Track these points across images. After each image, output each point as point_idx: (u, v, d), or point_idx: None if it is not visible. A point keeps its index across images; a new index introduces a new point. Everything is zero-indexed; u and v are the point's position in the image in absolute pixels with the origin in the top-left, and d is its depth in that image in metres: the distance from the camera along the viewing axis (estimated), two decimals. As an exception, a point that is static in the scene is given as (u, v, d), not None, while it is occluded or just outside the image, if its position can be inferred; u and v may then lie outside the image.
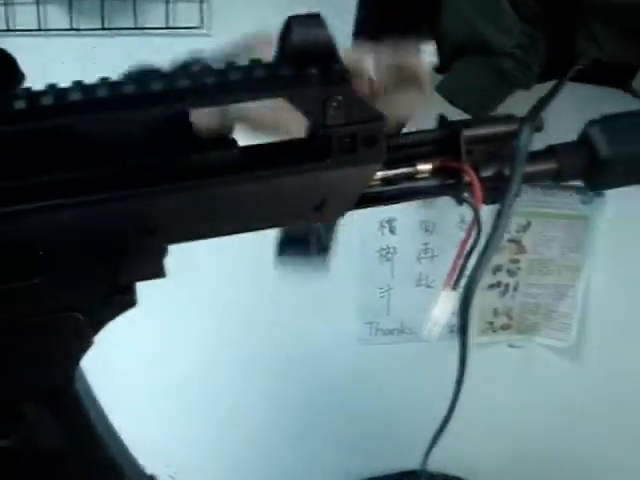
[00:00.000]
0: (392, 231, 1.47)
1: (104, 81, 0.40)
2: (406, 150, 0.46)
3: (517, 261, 1.53)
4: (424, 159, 0.46)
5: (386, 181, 0.45)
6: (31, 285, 0.41)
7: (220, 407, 1.48)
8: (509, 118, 0.47)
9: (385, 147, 0.43)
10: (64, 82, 0.39)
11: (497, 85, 1.18)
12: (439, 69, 1.29)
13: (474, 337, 1.56)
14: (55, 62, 1.23)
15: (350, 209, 0.44)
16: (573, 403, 1.59)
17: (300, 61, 0.40)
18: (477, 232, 0.46)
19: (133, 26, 1.31)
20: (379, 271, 1.48)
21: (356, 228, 1.39)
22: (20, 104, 0.38)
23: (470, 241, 0.46)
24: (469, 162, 0.46)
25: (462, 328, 0.48)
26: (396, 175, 0.45)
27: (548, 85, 1.27)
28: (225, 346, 1.44)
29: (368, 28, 1.18)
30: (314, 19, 0.41)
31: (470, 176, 0.45)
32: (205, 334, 1.43)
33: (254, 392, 1.48)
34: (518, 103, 1.21)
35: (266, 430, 1.52)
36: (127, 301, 0.43)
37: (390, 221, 1.46)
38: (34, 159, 0.40)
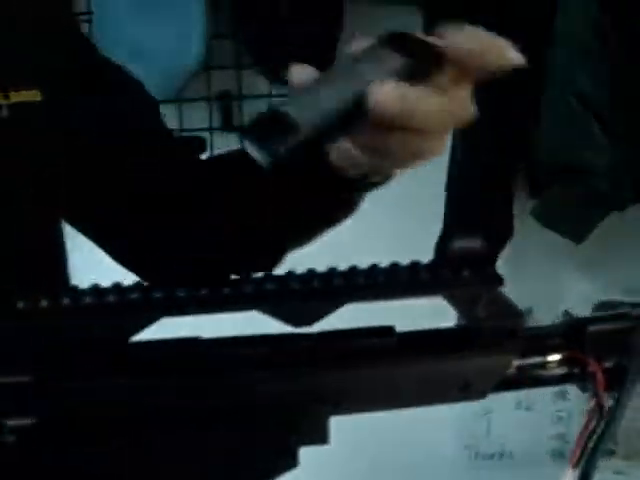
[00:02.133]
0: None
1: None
2: (537, 342, 0.52)
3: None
4: (553, 350, 0.52)
5: (520, 369, 0.51)
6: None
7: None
8: (629, 316, 0.53)
9: (522, 340, 0.49)
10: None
11: (592, 207, 1.21)
12: (532, 194, 1.36)
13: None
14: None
15: (490, 392, 0.50)
16: None
17: (457, 264, 0.47)
18: (599, 417, 0.51)
19: None
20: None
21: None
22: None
23: (592, 424, 0.51)
24: (593, 354, 0.52)
25: None
26: (529, 364, 0.51)
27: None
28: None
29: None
30: (470, 229, 0.48)
31: (594, 367, 0.51)
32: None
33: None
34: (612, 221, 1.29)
35: None
36: (291, 464, 0.49)
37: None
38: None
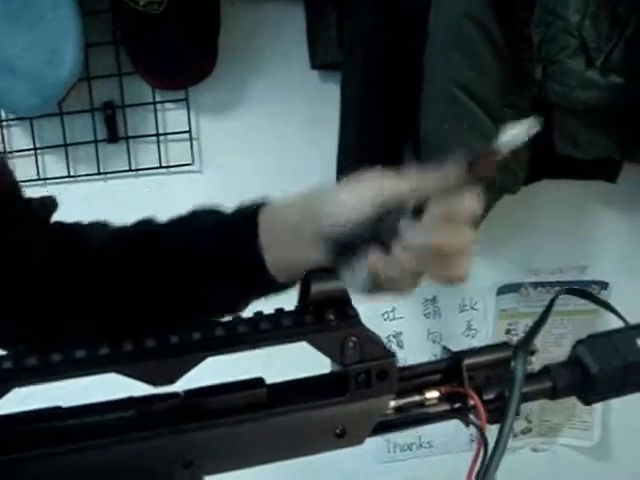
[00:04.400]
0: (400, 345, 1.50)
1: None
2: (414, 380, 0.51)
3: (530, 362, 1.51)
4: (431, 387, 0.51)
5: (399, 409, 0.50)
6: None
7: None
8: (505, 345, 0.53)
9: (396, 380, 0.48)
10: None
11: (484, 193, 1.20)
12: None
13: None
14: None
15: (368, 436, 0.49)
16: None
17: (320, 308, 0.46)
18: (484, 450, 0.50)
19: (127, 168, 1.37)
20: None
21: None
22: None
23: (479, 458, 0.50)
24: (472, 387, 0.51)
25: None
26: (407, 404, 0.50)
27: (535, 186, 1.32)
28: None
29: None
30: (328, 272, 0.47)
31: (475, 401, 0.50)
32: None
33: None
34: (508, 204, 1.27)
35: None
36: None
37: (397, 335, 1.49)
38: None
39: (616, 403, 1.54)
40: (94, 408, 0.46)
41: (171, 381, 0.45)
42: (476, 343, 1.61)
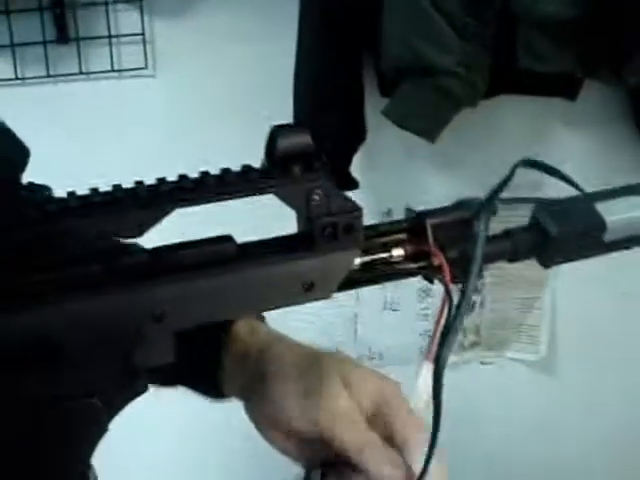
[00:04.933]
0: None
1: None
2: (380, 239, 0.52)
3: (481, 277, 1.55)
4: (397, 245, 0.52)
5: (365, 265, 0.51)
6: (49, 374, 0.45)
7: None
8: (467, 204, 0.54)
9: (362, 234, 0.49)
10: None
11: (443, 105, 1.20)
12: (384, 92, 1.33)
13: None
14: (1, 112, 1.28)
15: (335, 291, 0.49)
16: (546, 415, 1.62)
17: (286, 162, 0.47)
18: (449, 306, 0.51)
19: (78, 71, 1.34)
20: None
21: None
22: (48, 207, 0.43)
23: (444, 314, 0.51)
24: (436, 246, 0.52)
25: (436, 395, 0.52)
26: (373, 260, 0.51)
27: (495, 101, 1.33)
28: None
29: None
30: (295, 127, 0.47)
31: (439, 259, 0.51)
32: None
33: None
34: (466, 118, 1.29)
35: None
36: (140, 386, 0.47)
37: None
38: (55, 256, 0.45)
39: (562, 318, 1.59)
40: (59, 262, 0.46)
41: (140, 232, 0.45)
42: None
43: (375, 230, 0.52)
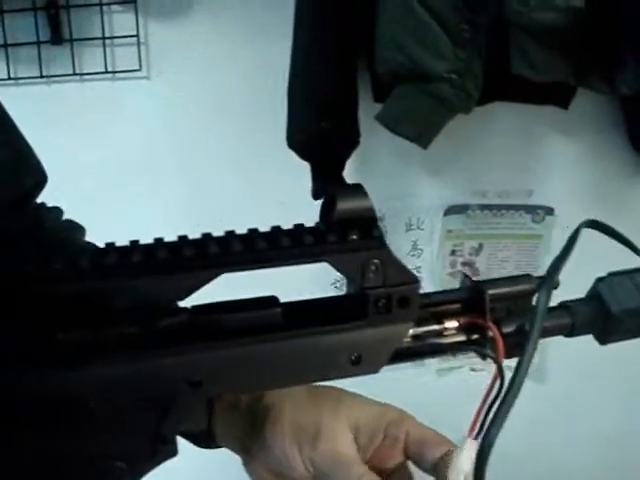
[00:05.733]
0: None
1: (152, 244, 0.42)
2: (434, 308, 0.49)
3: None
4: (451, 316, 0.49)
5: (416, 337, 0.48)
6: (79, 433, 0.42)
7: None
8: (528, 277, 0.51)
9: (417, 308, 0.45)
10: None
11: (436, 111, 1.19)
12: (377, 98, 1.33)
13: (434, 364, 1.56)
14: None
15: (385, 364, 0.46)
16: (536, 420, 1.60)
17: (343, 227, 0.43)
18: (500, 385, 0.48)
19: (71, 72, 1.32)
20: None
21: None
22: (85, 263, 0.40)
23: (493, 393, 0.48)
24: (492, 319, 0.49)
25: (479, 476, 0.49)
26: (425, 332, 0.48)
27: (488, 108, 1.31)
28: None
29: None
30: (357, 188, 0.44)
31: (494, 333, 0.48)
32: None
33: None
34: (460, 124, 1.27)
35: None
36: (169, 451, 0.45)
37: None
38: (91, 314, 0.42)
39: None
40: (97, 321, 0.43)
41: (182, 297, 0.42)
42: (421, 263, 1.67)
43: (430, 299, 0.49)
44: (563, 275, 0.52)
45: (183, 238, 0.43)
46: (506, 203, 1.53)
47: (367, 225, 0.44)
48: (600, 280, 0.53)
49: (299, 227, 0.44)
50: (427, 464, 0.54)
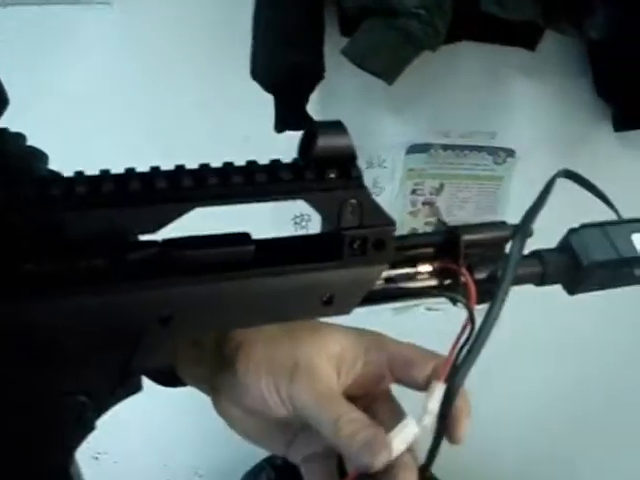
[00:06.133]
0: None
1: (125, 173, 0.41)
2: (408, 252, 0.48)
3: (431, 224, 1.56)
4: (424, 261, 0.48)
5: (389, 280, 0.47)
6: (42, 368, 0.41)
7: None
8: (503, 224, 0.50)
9: (392, 250, 0.45)
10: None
11: (403, 47, 1.18)
12: (344, 32, 1.30)
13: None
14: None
15: (356, 306, 0.46)
16: (488, 358, 1.65)
17: (322, 165, 0.42)
18: (471, 329, 0.48)
19: None
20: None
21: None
22: (55, 190, 0.38)
23: (463, 337, 0.48)
24: (465, 265, 0.48)
25: (442, 417, 0.49)
26: (398, 275, 0.47)
27: (455, 47, 1.30)
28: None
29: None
30: (337, 125, 0.43)
31: (466, 279, 0.48)
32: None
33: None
34: (426, 62, 1.25)
35: None
36: (134, 387, 0.44)
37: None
38: (58, 245, 0.40)
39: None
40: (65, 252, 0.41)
41: (152, 230, 0.40)
42: (381, 201, 1.65)
43: (405, 242, 0.48)
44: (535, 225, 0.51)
45: (156, 169, 0.41)
46: (469, 144, 1.53)
47: (346, 164, 0.43)
48: (572, 231, 0.53)
49: (276, 162, 0.43)
50: (418, 384, 0.52)
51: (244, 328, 0.47)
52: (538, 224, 0.51)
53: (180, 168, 0.41)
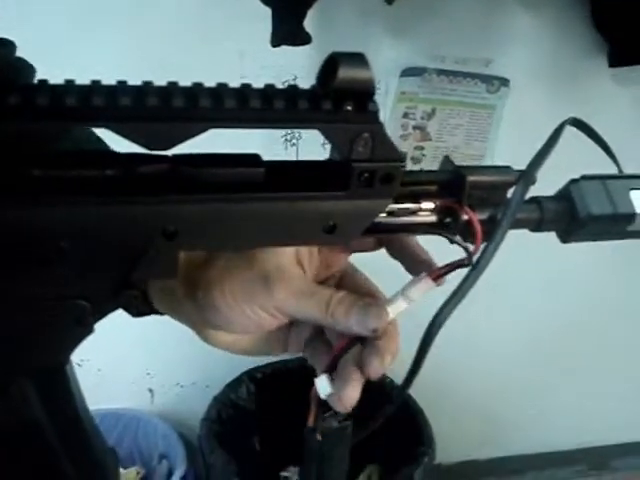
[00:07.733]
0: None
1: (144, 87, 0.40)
2: (413, 187, 0.48)
3: (421, 148, 1.56)
4: (428, 197, 0.49)
5: (391, 214, 0.48)
6: (46, 272, 0.42)
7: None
8: (508, 169, 0.50)
9: (399, 186, 0.45)
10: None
11: None
12: None
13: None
14: None
15: (358, 237, 0.46)
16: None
17: (339, 96, 0.42)
18: (471, 268, 0.48)
19: None
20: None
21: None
22: (71, 101, 0.38)
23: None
24: (468, 205, 0.49)
25: (421, 350, 0.50)
26: (401, 210, 0.48)
27: None
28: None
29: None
30: (359, 58, 0.42)
31: (470, 217, 0.49)
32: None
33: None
34: None
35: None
36: (131, 297, 0.44)
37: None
38: (73, 154, 0.40)
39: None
40: (73, 159, 0.41)
41: (165, 147, 0.40)
42: None
43: (410, 177, 0.48)
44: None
45: (173, 85, 0.41)
46: (463, 70, 1.52)
47: (364, 97, 0.43)
48: (573, 182, 0.54)
49: (294, 89, 0.42)
50: (413, 258, 0.53)
51: (245, 250, 0.47)
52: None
53: (198, 86, 0.41)
